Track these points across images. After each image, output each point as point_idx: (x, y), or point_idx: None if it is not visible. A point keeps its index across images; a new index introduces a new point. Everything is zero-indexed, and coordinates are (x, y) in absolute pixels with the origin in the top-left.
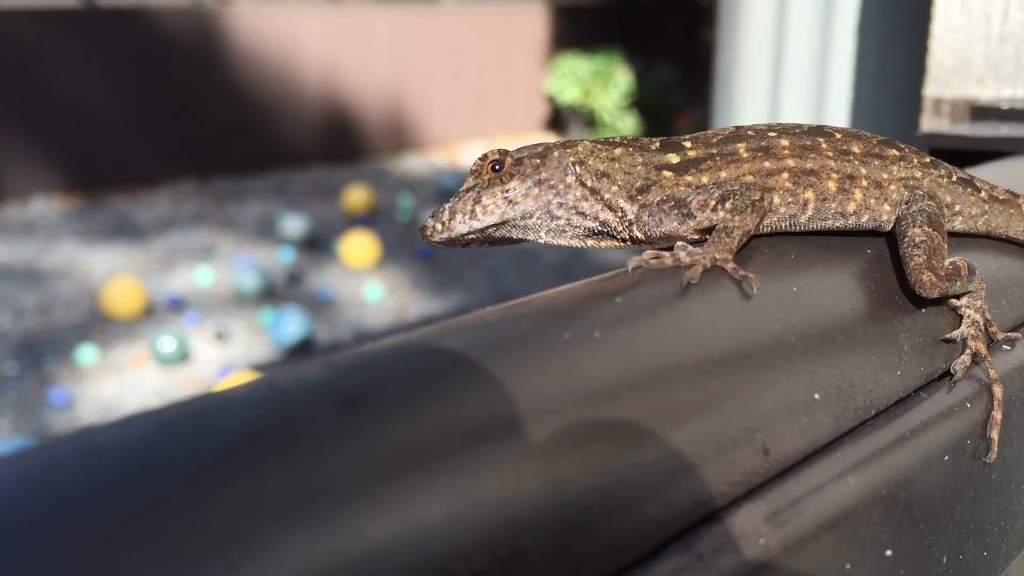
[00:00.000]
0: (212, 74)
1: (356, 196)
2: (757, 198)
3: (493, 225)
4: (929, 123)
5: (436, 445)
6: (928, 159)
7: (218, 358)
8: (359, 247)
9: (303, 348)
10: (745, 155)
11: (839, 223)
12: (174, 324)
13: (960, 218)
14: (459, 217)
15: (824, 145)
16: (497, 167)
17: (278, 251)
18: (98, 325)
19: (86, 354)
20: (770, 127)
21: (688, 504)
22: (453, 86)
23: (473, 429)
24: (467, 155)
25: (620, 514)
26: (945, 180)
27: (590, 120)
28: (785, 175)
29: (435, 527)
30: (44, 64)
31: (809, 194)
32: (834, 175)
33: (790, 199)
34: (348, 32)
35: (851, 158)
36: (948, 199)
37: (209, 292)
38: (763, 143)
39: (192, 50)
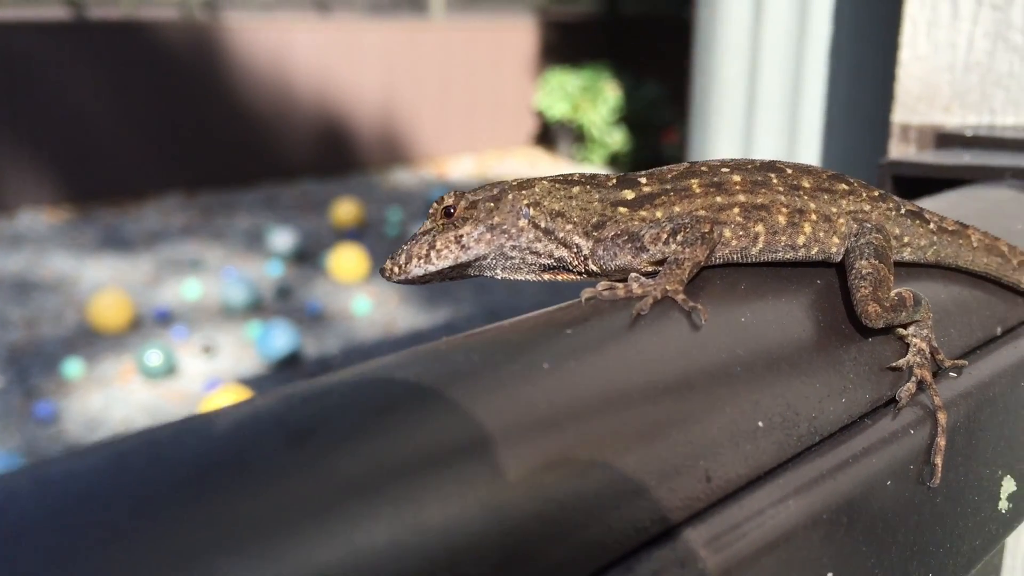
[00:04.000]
0: (202, 87)
1: (345, 210)
2: (707, 231)
3: (448, 268)
4: (897, 149)
5: (381, 475)
6: (877, 192)
7: (205, 372)
8: (347, 261)
9: (291, 362)
10: (698, 190)
11: (789, 255)
12: (161, 338)
13: (909, 249)
14: (415, 261)
15: (775, 180)
16: (451, 211)
17: (267, 264)
18: (85, 338)
19: (72, 368)
20: (724, 163)
21: (629, 530)
22: (443, 100)
23: (418, 459)
24: (456, 169)
25: (561, 539)
26: (894, 213)
27: (579, 135)
28: (736, 209)
29: (378, 554)
30: (34, 77)
31: (760, 228)
32: (784, 209)
33: (741, 232)
34: (338, 45)
35: (801, 193)
36: (897, 231)
37: (197, 306)
38: (715, 179)
39: (182, 63)
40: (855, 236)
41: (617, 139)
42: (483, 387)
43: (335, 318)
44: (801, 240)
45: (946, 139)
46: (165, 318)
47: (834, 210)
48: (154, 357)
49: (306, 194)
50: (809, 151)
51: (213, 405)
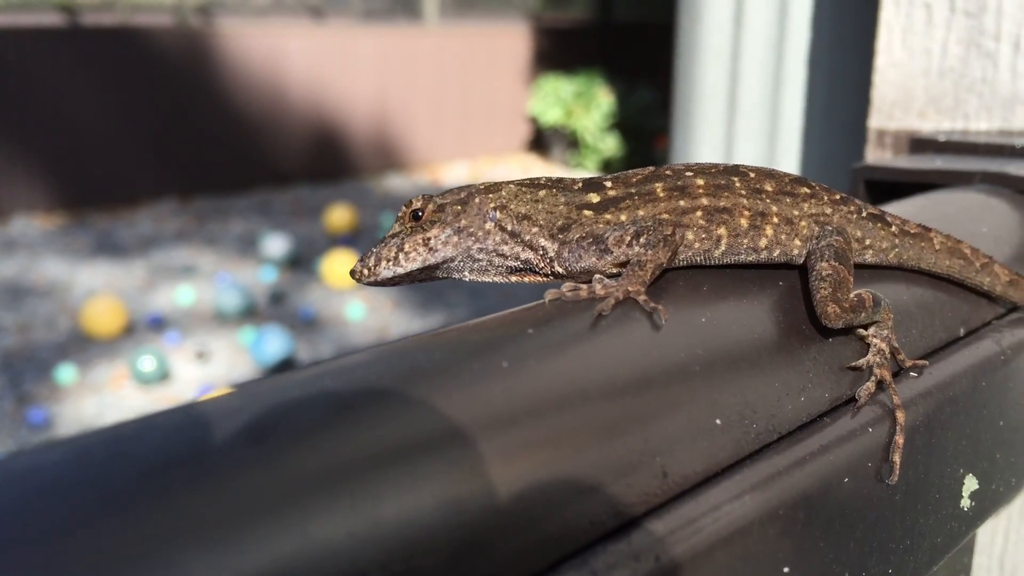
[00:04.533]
0: (196, 93)
1: (338, 215)
2: (669, 233)
3: (416, 270)
4: (873, 153)
5: (339, 470)
6: (839, 196)
7: (199, 377)
8: (341, 266)
9: (285, 367)
10: (662, 194)
11: (752, 257)
12: (155, 343)
13: (871, 251)
14: (384, 264)
15: (738, 184)
16: (419, 215)
17: (260, 270)
18: (78, 344)
19: (65, 373)
20: (688, 167)
21: (585, 524)
22: (437, 106)
23: (375, 454)
24: (450, 175)
25: (516, 533)
26: (855, 216)
27: (572, 141)
28: (699, 213)
29: (334, 546)
30: (27, 83)
31: (722, 230)
32: (746, 212)
33: (704, 235)
34: (332, 51)
35: (763, 196)
36: (859, 234)
37: (190, 311)
38: (679, 182)
39: (176, 69)
40: (816, 239)
41: (610, 145)
42: (442, 385)
43: (329, 324)
44: (763, 243)
45: (920, 144)
46: (158, 324)
47: (796, 213)
48: (147, 363)
49: (300, 200)
50: (789, 156)
51: None
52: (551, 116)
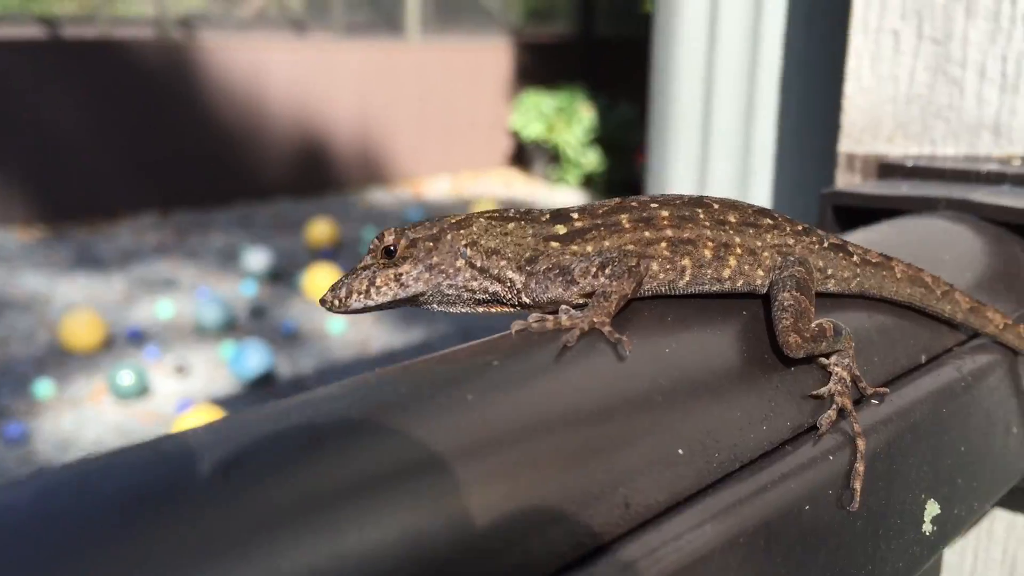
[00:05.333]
0: (177, 107)
1: (320, 229)
2: (633, 264)
3: (387, 303)
4: (842, 177)
5: (303, 505)
6: (801, 227)
7: (178, 392)
8: (322, 280)
9: (265, 382)
10: (627, 225)
11: (716, 287)
12: (134, 357)
13: (833, 281)
14: (354, 296)
15: (702, 216)
16: (391, 251)
17: (241, 284)
18: (56, 358)
19: (43, 388)
20: (653, 199)
21: (547, 555)
22: (419, 120)
23: (340, 489)
24: (432, 189)
25: (479, 564)
26: (817, 246)
27: (554, 155)
28: (664, 244)
29: None
30: (6, 95)
31: (686, 261)
32: (710, 244)
33: (668, 266)
34: (314, 65)
35: (727, 227)
36: (821, 263)
37: (170, 325)
38: (644, 214)
39: (158, 82)
40: (779, 269)
41: (591, 159)
42: (408, 419)
43: (310, 338)
44: (727, 273)
45: (888, 169)
46: (138, 338)
47: (759, 244)
48: (126, 377)
49: (281, 214)
50: (762, 176)
51: (185, 425)
52: (533, 131)
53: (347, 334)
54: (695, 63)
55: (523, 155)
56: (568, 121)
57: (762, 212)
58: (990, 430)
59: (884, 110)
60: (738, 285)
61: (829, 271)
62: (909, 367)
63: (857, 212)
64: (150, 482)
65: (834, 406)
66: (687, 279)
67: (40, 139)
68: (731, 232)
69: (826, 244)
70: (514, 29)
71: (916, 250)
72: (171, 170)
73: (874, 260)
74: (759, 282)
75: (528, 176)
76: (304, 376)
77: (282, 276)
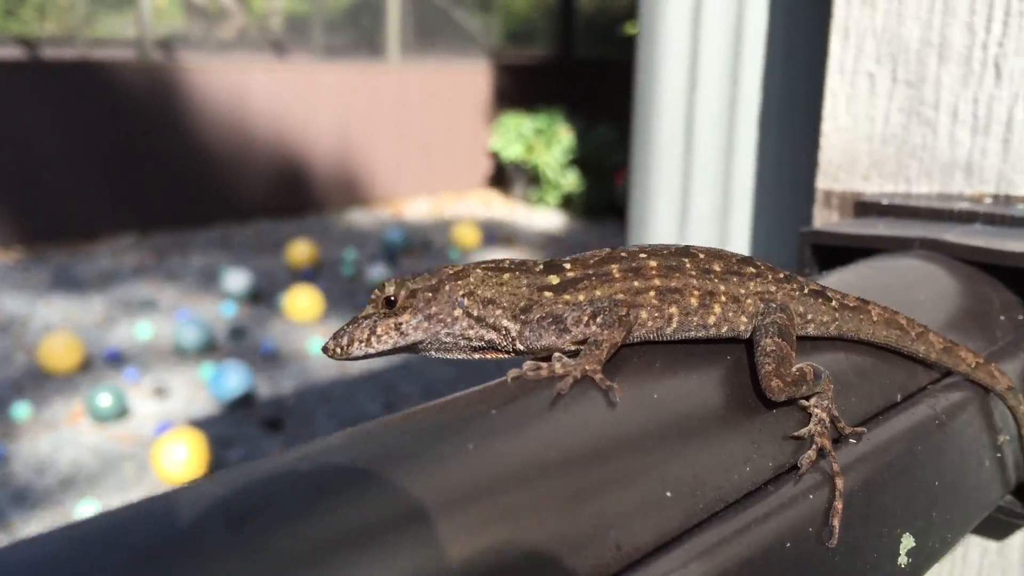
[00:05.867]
0: (157, 128)
1: (300, 250)
2: (623, 313)
3: (387, 351)
4: (820, 214)
5: (314, 555)
6: (783, 274)
7: (157, 414)
8: (302, 301)
9: (244, 403)
10: (617, 275)
11: (702, 334)
12: (112, 379)
13: (813, 325)
14: (356, 344)
15: (688, 265)
16: (392, 301)
17: (221, 305)
18: (34, 380)
19: (21, 410)
20: (642, 249)
21: None
22: (399, 142)
23: (348, 539)
24: (412, 210)
25: None
26: (798, 293)
27: (533, 176)
28: (652, 293)
29: None
30: None
31: (674, 309)
32: (696, 292)
33: (657, 314)
34: (295, 87)
35: (712, 276)
36: (801, 309)
37: (149, 347)
38: (634, 264)
39: (138, 104)
40: (761, 315)
41: (571, 180)
42: (413, 468)
43: (290, 359)
44: (712, 320)
45: (864, 207)
46: (116, 360)
47: (743, 291)
48: (104, 399)
49: (261, 234)
50: (742, 212)
51: (164, 447)
52: (512, 152)
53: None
54: (676, 101)
55: (503, 176)
56: (548, 142)
57: (745, 261)
58: (963, 464)
59: (860, 149)
60: (723, 331)
61: (809, 316)
62: (885, 406)
63: (835, 249)
64: (165, 533)
65: (814, 446)
66: (674, 326)
67: (18, 160)
68: (716, 281)
69: (806, 290)
70: (494, 51)
71: (892, 290)
72: (150, 191)
73: (851, 304)
74: (743, 328)
75: (508, 197)
76: (284, 397)
77: (262, 297)
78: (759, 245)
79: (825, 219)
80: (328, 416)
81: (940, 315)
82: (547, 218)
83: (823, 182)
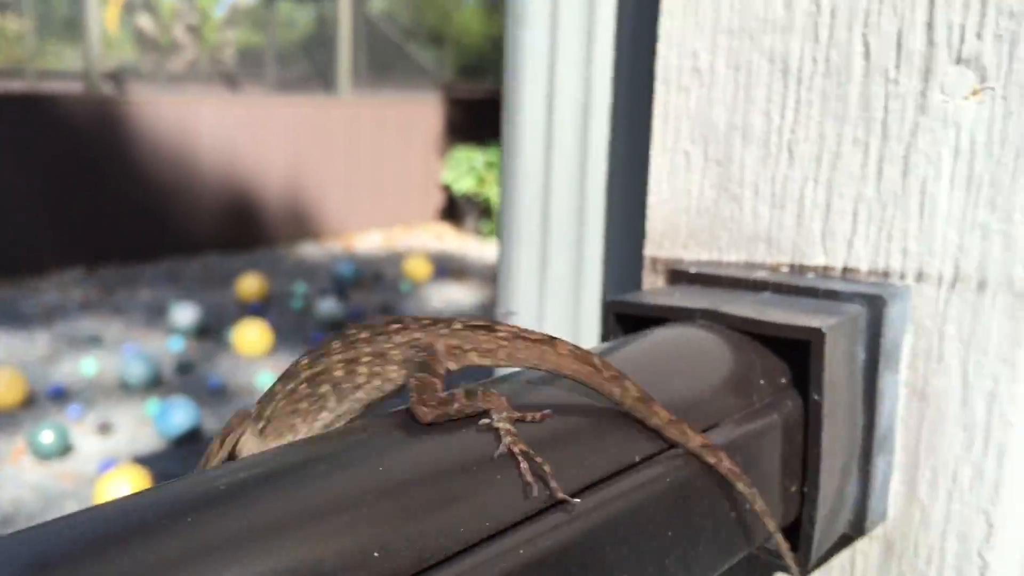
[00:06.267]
0: (106, 161)
1: (249, 284)
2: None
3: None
4: (648, 278)
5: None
6: (428, 320)
7: (101, 451)
8: (251, 335)
9: (191, 439)
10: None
11: (363, 394)
12: (56, 416)
13: (476, 352)
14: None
15: (336, 345)
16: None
17: (168, 340)
18: None
19: None
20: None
21: None
22: (350, 175)
23: (216, 546)
24: (364, 243)
25: None
26: (447, 330)
27: (485, 209)
28: (304, 385)
29: None
30: None
31: (325, 387)
32: (339, 364)
33: (313, 402)
34: (246, 120)
35: (356, 344)
36: (455, 342)
37: (94, 382)
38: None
39: (86, 137)
40: (408, 361)
41: None
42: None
43: (238, 393)
44: (361, 379)
45: (676, 275)
46: (60, 396)
47: (387, 346)
48: (47, 436)
49: (210, 268)
50: (593, 274)
51: (107, 485)
52: (464, 185)
53: None
54: (535, 170)
55: (454, 209)
56: (499, 175)
57: (394, 321)
58: (685, 531)
59: (680, 220)
60: (376, 383)
61: (468, 346)
62: (610, 471)
63: (642, 318)
64: None
65: (518, 457)
66: (333, 401)
67: None
68: (360, 346)
69: (459, 326)
70: (446, 84)
71: (658, 357)
72: (99, 225)
73: (533, 338)
74: (395, 375)
75: (459, 230)
76: None
77: (210, 331)
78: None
79: (652, 284)
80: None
81: (698, 381)
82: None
83: (649, 250)
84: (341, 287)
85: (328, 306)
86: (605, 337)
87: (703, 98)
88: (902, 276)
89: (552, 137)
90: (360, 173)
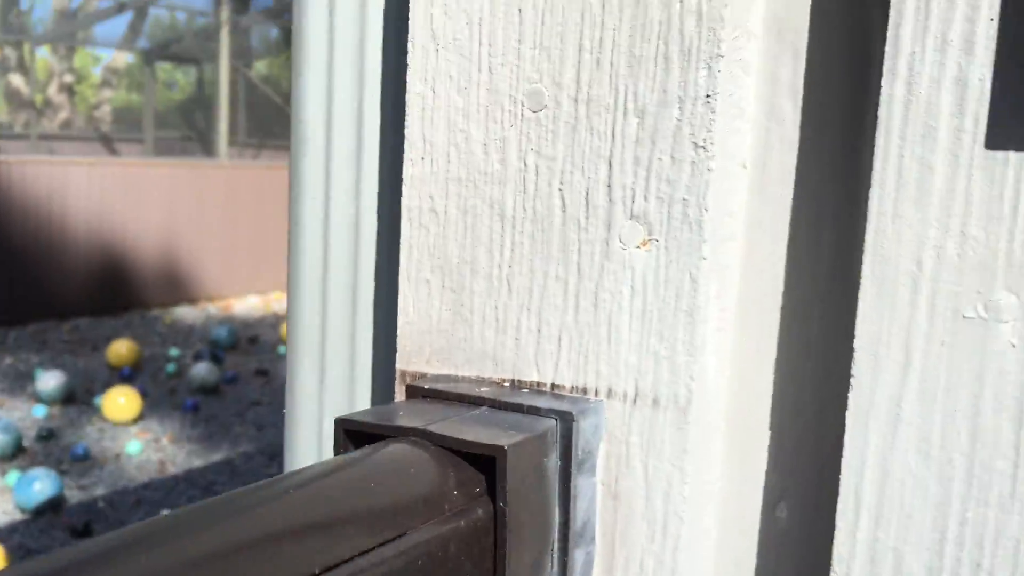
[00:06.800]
0: None
1: (120, 348)
2: None
3: None
4: (398, 389)
5: None
6: None
7: None
8: (120, 400)
9: (53, 508)
10: None
11: None
12: None
13: None
14: None
15: None
16: None
17: (34, 407)
18: None
19: None
20: None
21: None
22: (228, 239)
23: None
24: (242, 307)
25: None
26: None
27: None
28: None
29: None
30: None
31: None
32: None
33: None
34: (121, 183)
35: None
36: None
37: None
38: None
39: None
40: None
41: None
42: None
43: (104, 461)
44: None
45: (412, 390)
46: None
47: None
48: None
49: (80, 333)
50: (363, 383)
51: None
52: None
53: (144, 455)
54: (315, 289)
55: None
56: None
57: None
58: None
59: (424, 339)
60: None
61: None
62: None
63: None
64: None
65: None
66: None
67: None
68: None
69: None
70: None
71: (357, 474)
72: None
73: None
74: None
75: None
76: (95, 501)
77: (78, 397)
78: None
79: (400, 396)
80: (143, 519)
81: (391, 495)
82: None
83: (400, 363)
84: (216, 351)
85: (202, 370)
86: (336, 452)
87: (439, 235)
88: (596, 393)
89: (328, 261)
90: (238, 237)
